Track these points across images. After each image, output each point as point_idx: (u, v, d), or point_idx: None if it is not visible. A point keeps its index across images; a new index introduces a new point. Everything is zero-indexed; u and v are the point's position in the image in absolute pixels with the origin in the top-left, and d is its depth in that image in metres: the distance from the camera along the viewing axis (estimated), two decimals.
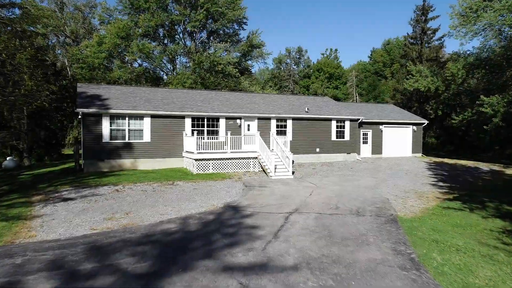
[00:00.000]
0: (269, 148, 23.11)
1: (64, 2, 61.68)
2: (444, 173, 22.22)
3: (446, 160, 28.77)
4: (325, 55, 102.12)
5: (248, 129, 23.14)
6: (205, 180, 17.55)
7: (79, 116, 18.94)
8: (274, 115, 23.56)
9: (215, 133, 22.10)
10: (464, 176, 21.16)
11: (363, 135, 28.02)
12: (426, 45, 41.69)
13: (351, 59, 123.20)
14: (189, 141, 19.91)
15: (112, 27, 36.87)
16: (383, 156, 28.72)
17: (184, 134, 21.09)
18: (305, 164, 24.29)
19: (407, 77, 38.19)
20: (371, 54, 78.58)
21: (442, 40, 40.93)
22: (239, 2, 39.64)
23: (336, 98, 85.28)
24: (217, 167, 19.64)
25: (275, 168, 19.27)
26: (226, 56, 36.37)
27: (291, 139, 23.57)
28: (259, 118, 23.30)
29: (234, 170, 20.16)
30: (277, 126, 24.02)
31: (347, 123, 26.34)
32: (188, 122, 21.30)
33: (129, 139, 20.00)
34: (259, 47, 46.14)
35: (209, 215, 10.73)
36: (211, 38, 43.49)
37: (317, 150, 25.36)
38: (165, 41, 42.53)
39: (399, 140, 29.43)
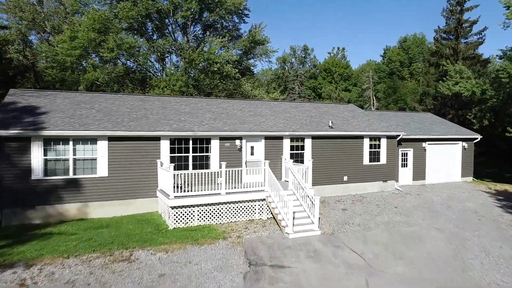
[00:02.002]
0: (280, 178, 16.63)
1: None
2: None
3: (509, 188, 22.14)
4: (332, 54, 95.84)
5: (252, 153, 16.58)
6: (185, 245, 10.98)
7: None
8: (287, 133, 16.98)
9: (205, 160, 15.54)
10: None
11: (401, 155, 21.44)
12: (463, 40, 35.05)
13: (360, 58, 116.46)
14: (164, 177, 13.35)
15: (87, 18, 30.37)
16: (427, 182, 22.13)
17: (158, 164, 14.53)
18: (330, 199, 17.70)
19: (444, 78, 31.59)
20: (384, 53, 71.81)
21: (482, 35, 34.30)
22: None
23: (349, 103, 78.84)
24: (206, 216, 13.09)
25: (294, 219, 12.70)
26: (223, 54, 29.80)
27: (310, 166, 17.00)
28: (267, 138, 16.72)
29: (231, 220, 13.58)
30: (292, 148, 17.44)
31: (384, 142, 19.75)
32: (165, 145, 14.74)
33: (75, 174, 13.45)
34: (262, 44, 39.53)
35: None
36: (207, 33, 36.99)
37: (345, 178, 18.78)
38: (154, 36, 36.08)
39: (446, 160, 22.85)
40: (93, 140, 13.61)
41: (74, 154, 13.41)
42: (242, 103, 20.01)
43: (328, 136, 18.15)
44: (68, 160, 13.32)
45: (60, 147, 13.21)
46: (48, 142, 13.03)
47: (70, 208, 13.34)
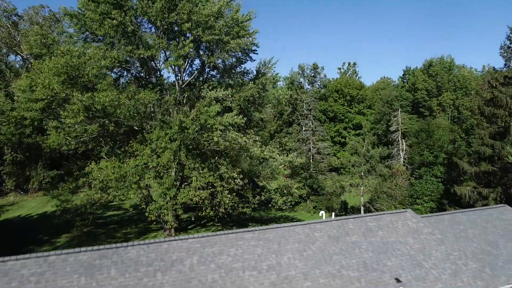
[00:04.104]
0: None
1: (19, 14, 48.65)
2: None
3: None
4: (342, 70, 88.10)
5: None
6: None
7: None
8: None
9: None
10: None
11: None
12: None
13: (373, 74, 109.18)
14: None
15: (47, 67, 23.19)
16: None
17: None
18: None
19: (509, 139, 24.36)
20: (404, 75, 64.55)
21: None
22: (247, 26, 25.78)
23: (360, 127, 71.18)
24: None
25: None
26: (226, 117, 22.29)
27: None
28: None
29: None
30: None
31: None
32: None
33: None
34: (274, 83, 32.49)
35: None
36: (206, 69, 29.89)
37: None
38: (142, 74, 29.02)
39: None
40: None
41: None
42: (255, 243, 12.69)
43: None
44: None
45: None
46: None
47: None
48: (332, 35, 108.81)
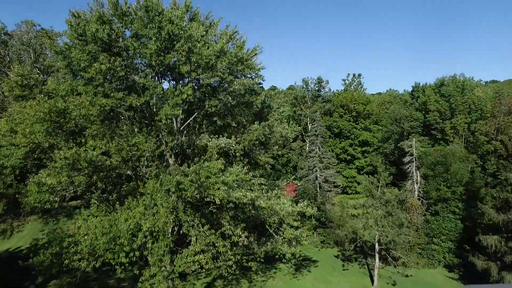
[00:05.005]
0: None
1: (9, 33, 46.04)
2: None
3: None
4: (347, 82, 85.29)
5: None
6: None
7: None
8: None
9: None
10: None
11: None
12: None
13: (377, 83, 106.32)
14: None
15: (27, 114, 20.67)
16: None
17: None
18: None
19: None
20: (413, 90, 61.82)
21: None
22: (252, 64, 23.10)
23: (366, 143, 68.30)
24: None
25: None
26: (230, 173, 19.57)
27: None
28: None
29: None
30: None
31: None
32: None
33: None
34: (280, 121, 29.78)
35: None
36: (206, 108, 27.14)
37: None
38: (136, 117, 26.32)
39: None
40: None
41: None
42: None
43: None
44: None
45: None
46: None
47: None
48: (335, 45, 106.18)
